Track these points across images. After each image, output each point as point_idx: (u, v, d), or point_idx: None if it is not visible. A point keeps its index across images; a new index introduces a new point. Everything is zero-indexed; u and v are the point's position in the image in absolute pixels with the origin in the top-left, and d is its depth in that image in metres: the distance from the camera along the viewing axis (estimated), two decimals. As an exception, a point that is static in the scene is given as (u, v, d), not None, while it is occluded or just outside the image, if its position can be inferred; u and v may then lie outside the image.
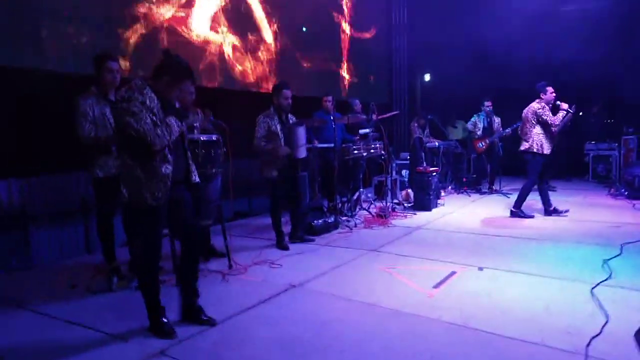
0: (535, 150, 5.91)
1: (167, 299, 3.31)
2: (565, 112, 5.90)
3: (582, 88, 9.41)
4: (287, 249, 4.85)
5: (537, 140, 5.91)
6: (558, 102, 5.92)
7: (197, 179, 3.13)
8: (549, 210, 6.10)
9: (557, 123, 5.86)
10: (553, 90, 5.94)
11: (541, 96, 5.96)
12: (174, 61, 2.84)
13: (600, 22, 8.94)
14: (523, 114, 6.16)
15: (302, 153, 4.89)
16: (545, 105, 5.91)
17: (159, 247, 2.90)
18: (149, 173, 2.73)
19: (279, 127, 4.78)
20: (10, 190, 4.33)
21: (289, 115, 4.98)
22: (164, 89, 2.81)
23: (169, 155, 2.80)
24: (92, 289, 3.69)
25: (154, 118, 2.69)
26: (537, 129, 5.92)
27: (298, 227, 5.16)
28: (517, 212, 6.05)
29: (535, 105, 5.99)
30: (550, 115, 5.87)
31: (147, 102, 2.70)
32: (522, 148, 6.05)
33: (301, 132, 4.85)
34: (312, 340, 2.72)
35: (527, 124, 6.02)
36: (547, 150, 5.90)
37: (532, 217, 6.01)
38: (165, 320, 2.89)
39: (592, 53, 9.03)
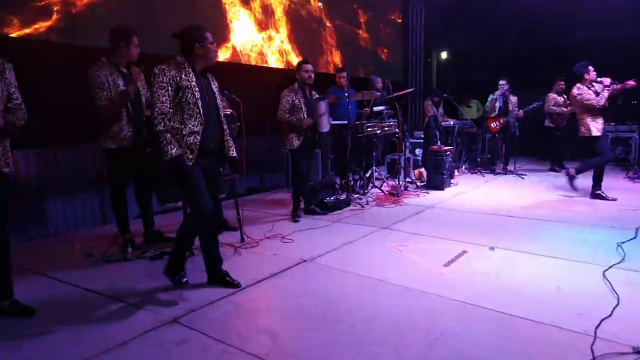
0: (586, 135, 5.81)
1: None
2: (608, 88, 5.66)
3: (604, 68, 9.17)
4: (298, 219, 5.02)
5: (584, 124, 5.79)
6: (599, 79, 5.73)
7: (234, 154, 3.21)
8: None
9: (603, 103, 5.65)
10: (593, 69, 5.76)
11: (585, 77, 5.77)
12: (190, 31, 2.95)
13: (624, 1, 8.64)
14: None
15: (326, 127, 5.06)
16: (584, 88, 5.75)
17: (207, 206, 2.97)
18: (178, 142, 2.87)
19: (302, 100, 4.96)
20: (28, 161, 4.39)
21: (312, 92, 5.14)
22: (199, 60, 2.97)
23: (197, 127, 2.91)
24: (108, 258, 3.77)
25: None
26: (584, 114, 5.78)
27: (310, 200, 5.34)
28: (599, 193, 5.92)
29: (574, 91, 5.84)
30: (593, 97, 5.68)
31: (183, 76, 2.87)
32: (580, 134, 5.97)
33: (323, 106, 4.98)
34: (322, 314, 2.76)
35: (576, 109, 5.96)
36: (595, 132, 5.74)
37: (615, 199, 5.81)
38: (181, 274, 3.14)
39: (614, 32, 8.77)
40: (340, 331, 2.55)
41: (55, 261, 3.74)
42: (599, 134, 5.77)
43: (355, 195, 6.06)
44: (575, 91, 5.85)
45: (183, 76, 2.87)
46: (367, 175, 6.64)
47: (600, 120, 5.78)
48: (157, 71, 2.85)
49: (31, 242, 4.33)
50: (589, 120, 5.78)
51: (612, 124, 9.26)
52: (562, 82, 8.28)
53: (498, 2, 9.23)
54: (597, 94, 5.69)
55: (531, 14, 9.19)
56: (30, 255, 3.95)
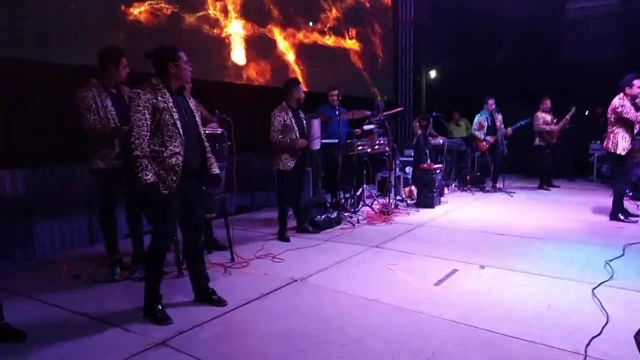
0: (610, 149, 5.61)
1: (169, 290, 3.34)
2: None
3: (588, 87, 9.37)
4: (288, 240, 4.95)
5: (613, 139, 5.57)
6: None
7: (217, 170, 3.20)
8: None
9: None
10: None
11: (626, 90, 5.50)
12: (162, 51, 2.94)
13: (611, 20, 8.88)
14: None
15: (317, 144, 5.12)
16: (627, 102, 5.46)
17: (171, 236, 2.99)
18: (160, 164, 2.84)
19: (293, 120, 4.93)
20: (15, 181, 4.35)
21: (300, 110, 5.15)
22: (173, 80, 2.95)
23: (178, 148, 2.88)
24: (95, 279, 3.71)
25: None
26: (619, 127, 5.53)
27: (303, 219, 5.34)
28: (617, 217, 5.74)
29: (616, 101, 5.55)
30: (633, 111, 5.42)
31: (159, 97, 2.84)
32: (603, 147, 5.80)
33: (316, 124, 5.04)
34: (313, 334, 2.73)
35: (611, 120, 5.65)
36: (621, 151, 5.50)
37: (635, 221, 5.63)
38: (160, 308, 2.98)
39: (600, 52, 8.98)
40: (332, 352, 2.52)
41: (41, 283, 3.67)
42: (624, 153, 5.52)
43: (346, 214, 6.07)
44: (618, 102, 5.53)
45: (159, 98, 2.84)
46: (358, 193, 6.65)
47: (629, 139, 5.53)
48: (132, 95, 2.85)
49: (17, 264, 4.25)
50: (620, 135, 5.52)
51: (599, 142, 9.43)
52: (549, 100, 8.43)
53: (487, 21, 9.45)
54: (637, 109, 5.45)
55: (520, 33, 9.42)
56: (16, 277, 3.88)
